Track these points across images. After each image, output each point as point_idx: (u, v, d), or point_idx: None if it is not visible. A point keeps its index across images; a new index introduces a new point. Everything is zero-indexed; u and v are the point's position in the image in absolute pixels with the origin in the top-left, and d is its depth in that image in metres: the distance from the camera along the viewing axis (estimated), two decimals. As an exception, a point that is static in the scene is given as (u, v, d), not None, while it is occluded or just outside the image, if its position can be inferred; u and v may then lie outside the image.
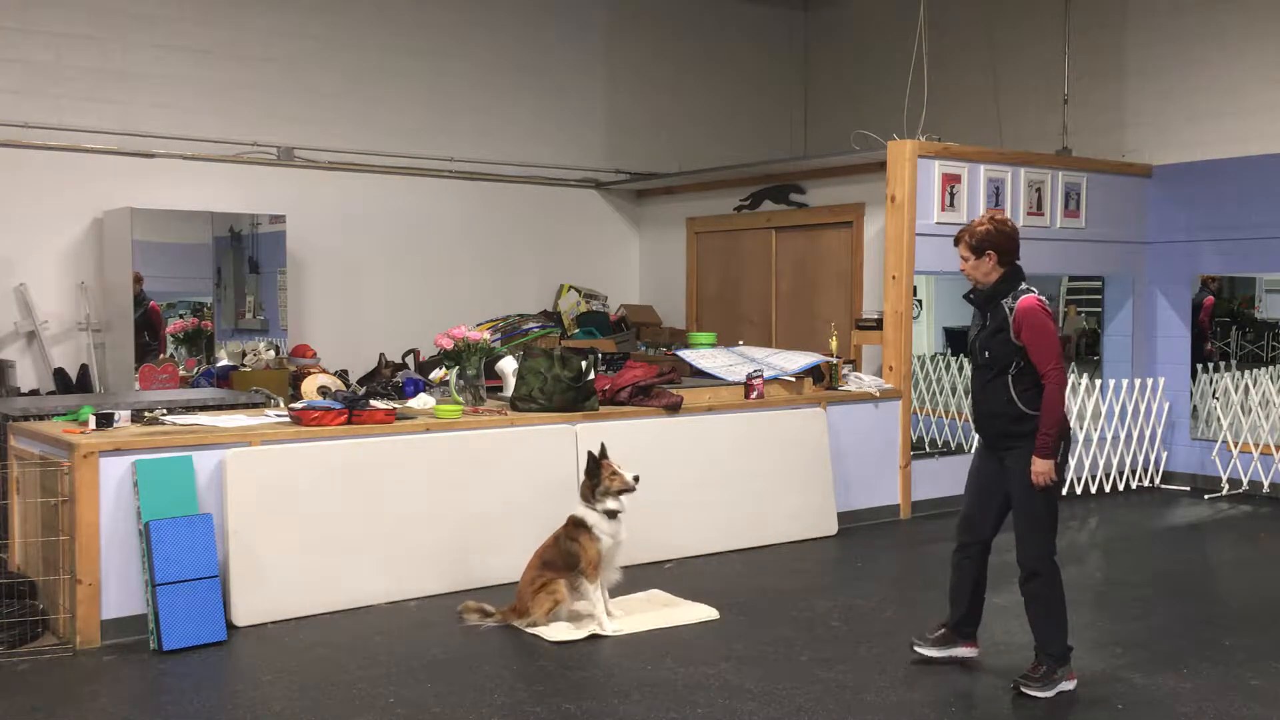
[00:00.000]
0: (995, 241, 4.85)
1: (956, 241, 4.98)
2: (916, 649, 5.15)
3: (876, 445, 8.16)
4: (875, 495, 8.15)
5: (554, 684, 4.84)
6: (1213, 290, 10.09)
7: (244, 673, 5.03)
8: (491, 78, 10.66)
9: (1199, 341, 9.74)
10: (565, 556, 5.59)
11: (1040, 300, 4.84)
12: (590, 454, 5.70)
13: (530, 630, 5.47)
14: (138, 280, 8.45)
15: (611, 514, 5.57)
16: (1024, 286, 4.87)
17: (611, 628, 5.49)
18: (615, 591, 5.78)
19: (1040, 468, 4.72)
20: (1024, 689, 4.78)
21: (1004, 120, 10.55)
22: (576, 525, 5.61)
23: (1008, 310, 4.82)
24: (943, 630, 5.16)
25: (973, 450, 5.33)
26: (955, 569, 5.13)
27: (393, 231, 10.17)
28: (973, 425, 5.20)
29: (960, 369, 10.39)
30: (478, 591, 6.09)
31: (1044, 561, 4.82)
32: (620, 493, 5.60)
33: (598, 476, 5.60)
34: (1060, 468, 4.81)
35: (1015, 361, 4.80)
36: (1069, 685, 4.83)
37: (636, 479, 5.61)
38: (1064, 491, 4.88)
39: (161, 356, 8.53)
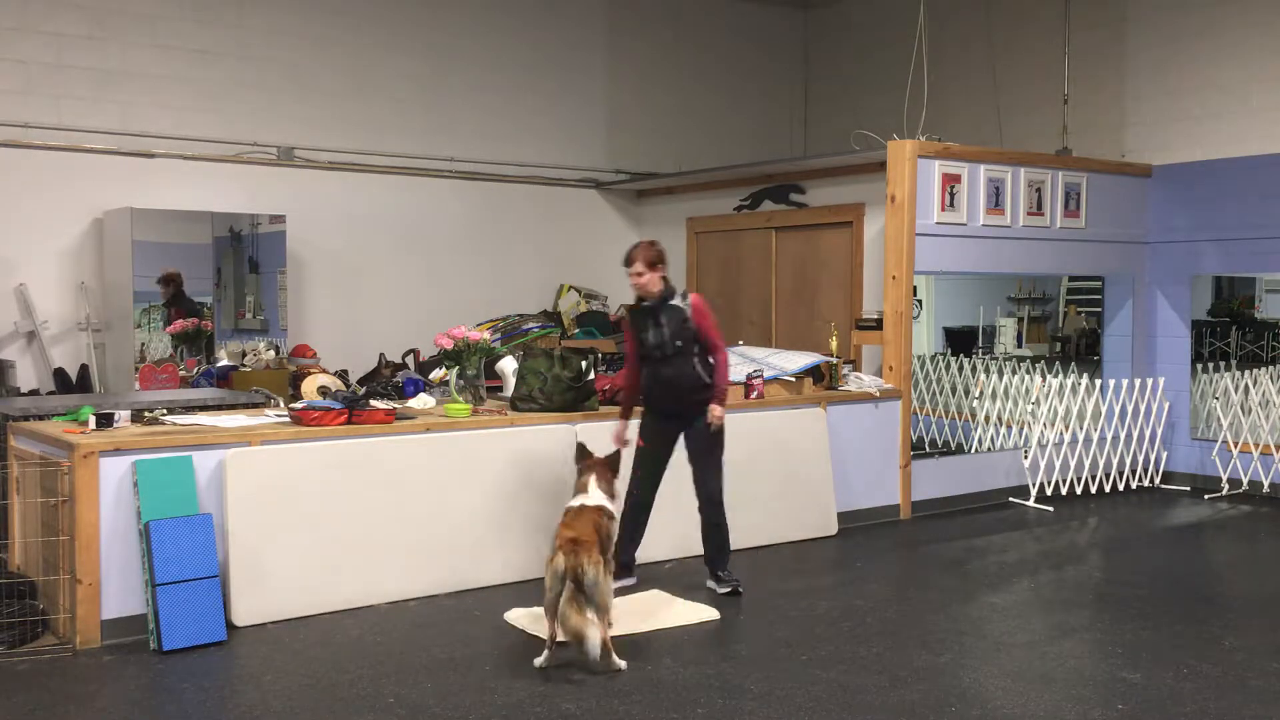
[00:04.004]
0: (664, 258, 5.95)
1: (629, 262, 5.94)
2: None
3: (876, 445, 8.16)
4: (875, 495, 8.15)
5: (554, 684, 4.84)
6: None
7: (244, 673, 5.03)
8: (491, 78, 10.66)
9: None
10: (605, 542, 5.26)
11: (699, 295, 6.06)
12: (583, 446, 5.86)
13: (531, 633, 5.46)
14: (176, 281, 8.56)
15: None
16: (682, 289, 6.01)
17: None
18: (615, 591, 5.78)
19: (718, 412, 6.03)
20: (739, 590, 6.13)
21: (1004, 120, 10.55)
22: (610, 518, 5.46)
23: (685, 306, 5.95)
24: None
25: (642, 426, 6.30)
26: (634, 518, 6.19)
27: (393, 231, 10.17)
28: (658, 404, 6.18)
29: (960, 369, 10.40)
30: (478, 592, 6.09)
31: (721, 491, 6.17)
32: None
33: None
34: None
35: (696, 344, 5.95)
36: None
37: None
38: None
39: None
